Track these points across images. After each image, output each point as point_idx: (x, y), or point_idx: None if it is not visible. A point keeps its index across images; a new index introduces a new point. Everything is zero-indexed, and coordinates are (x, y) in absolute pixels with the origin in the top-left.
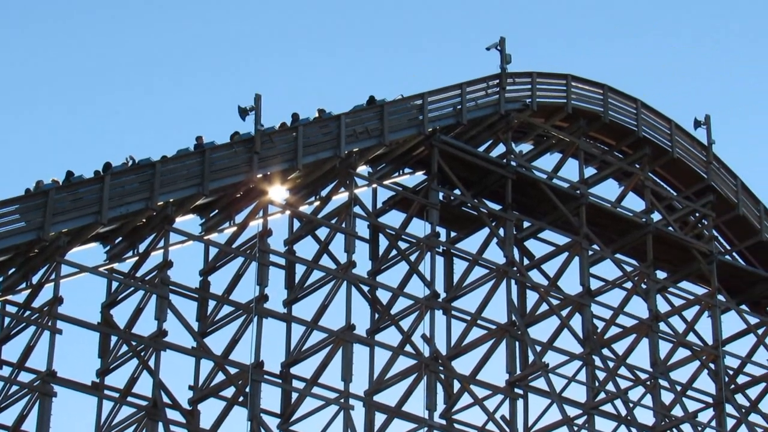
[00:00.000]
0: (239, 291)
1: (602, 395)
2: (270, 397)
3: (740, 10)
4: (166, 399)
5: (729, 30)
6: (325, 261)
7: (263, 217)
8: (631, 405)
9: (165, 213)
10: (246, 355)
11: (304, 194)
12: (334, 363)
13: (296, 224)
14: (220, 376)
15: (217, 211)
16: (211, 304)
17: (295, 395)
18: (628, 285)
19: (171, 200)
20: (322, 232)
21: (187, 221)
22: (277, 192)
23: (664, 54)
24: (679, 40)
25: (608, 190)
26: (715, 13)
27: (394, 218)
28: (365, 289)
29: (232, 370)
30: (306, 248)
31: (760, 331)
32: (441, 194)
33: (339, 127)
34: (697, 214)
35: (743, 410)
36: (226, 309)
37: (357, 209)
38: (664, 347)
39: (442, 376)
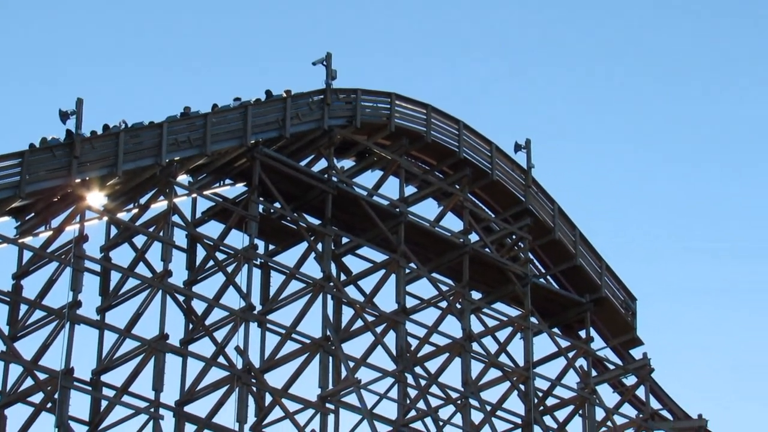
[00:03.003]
0: (52, 296)
1: (413, 413)
2: (79, 405)
3: (560, 37)
4: None
5: (550, 56)
6: (141, 269)
7: (80, 222)
8: (441, 423)
9: None
10: (56, 361)
11: (122, 201)
12: (145, 372)
13: (113, 231)
14: (28, 382)
15: (33, 214)
16: (23, 308)
17: (104, 403)
18: (443, 304)
19: None
20: (140, 240)
21: (2, 223)
22: (96, 198)
23: (488, 76)
24: (503, 64)
25: (428, 209)
26: (536, 39)
27: (213, 229)
28: (180, 298)
29: (42, 376)
30: (122, 255)
31: (570, 354)
32: (261, 207)
33: (161, 135)
34: (513, 237)
35: None
36: (38, 314)
37: (176, 218)
38: (477, 367)
39: (254, 388)
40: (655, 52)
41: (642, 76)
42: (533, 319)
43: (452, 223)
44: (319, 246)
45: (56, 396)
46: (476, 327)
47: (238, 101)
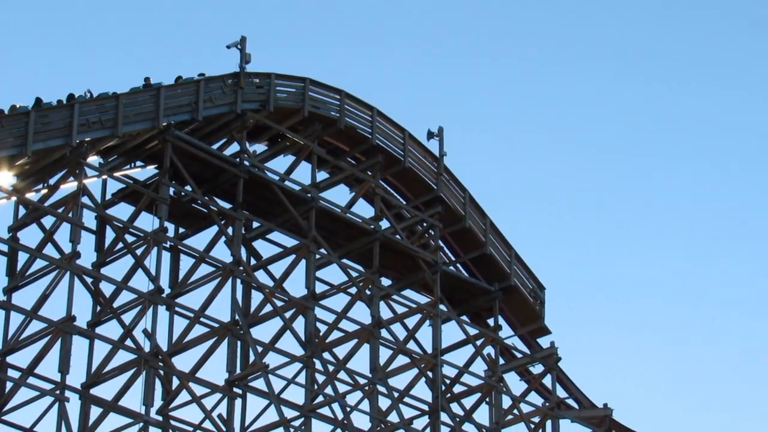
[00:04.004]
0: None
1: (320, 398)
2: None
3: (474, 25)
4: None
5: (463, 45)
6: (49, 250)
7: None
8: (348, 409)
9: None
10: None
11: (32, 181)
12: (52, 354)
13: (22, 211)
14: None
15: None
16: None
17: (9, 384)
18: (353, 290)
19: None
20: (48, 221)
21: None
22: (4, 177)
23: (402, 64)
24: (417, 52)
25: (340, 195)
26: (450, 27)
27: (122, 211)
28: (88, 280)
29: None
30: (30, 236)
31: (478, 342)
32: (172, 189)
33: (72, 116)
34: (424, 224)
35: (458, 419)
36: None
37: (85, 199)
38: (385, 353)
39: (162, 372)
40: (568, 42)
41: (556, 65)
42: (442, 307)
43: (363, 210)
44: (230, 230)
45: None
46: (385, 313)
47: (203, 76)
